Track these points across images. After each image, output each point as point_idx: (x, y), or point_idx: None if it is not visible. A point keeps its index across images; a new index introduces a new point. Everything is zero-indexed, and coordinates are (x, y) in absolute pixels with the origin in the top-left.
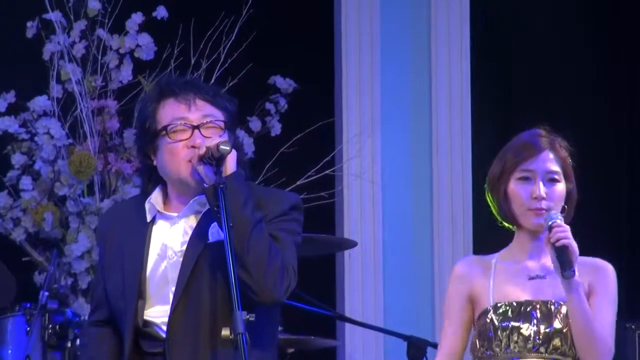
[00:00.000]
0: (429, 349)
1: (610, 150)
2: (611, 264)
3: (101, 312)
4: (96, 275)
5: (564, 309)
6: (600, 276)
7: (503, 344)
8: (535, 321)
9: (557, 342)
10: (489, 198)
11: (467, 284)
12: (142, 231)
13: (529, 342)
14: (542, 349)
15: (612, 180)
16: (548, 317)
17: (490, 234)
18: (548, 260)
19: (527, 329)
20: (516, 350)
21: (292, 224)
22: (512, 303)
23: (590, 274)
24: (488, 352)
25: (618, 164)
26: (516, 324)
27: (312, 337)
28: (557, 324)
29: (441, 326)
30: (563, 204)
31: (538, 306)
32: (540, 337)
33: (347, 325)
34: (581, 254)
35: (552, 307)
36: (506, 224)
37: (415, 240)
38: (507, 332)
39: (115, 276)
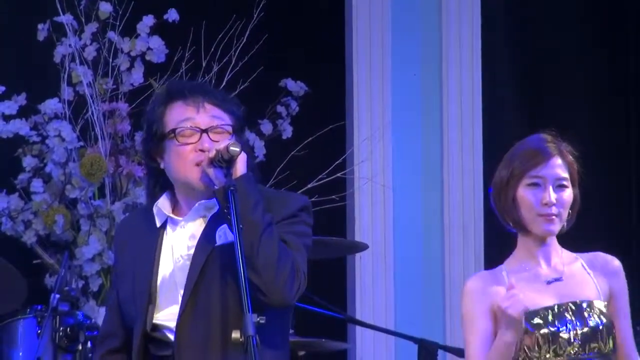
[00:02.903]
0: (440, 352)
1: (620, 148)
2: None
3: (109, 342)
4: (109, 291)
5: (595, 306)
6: (621, 281)
7: (543, 350)
8: (570, 324)
9: (594, 341)
10: (494, 203)
11: (487, 297)
12: (152, 237)
13: (570, 345)
14: (582, 350)
15: (620, 179)
16: (581, 318)
17: (501, 236)
18: (558, 262)
19: (565, 333)
20: (559, 355)
21: (302, 226)
22: (542, 309)
23: (607, 276)
24: None
25: (627, 163)
26: (553, 329)
27: (323, 340)
28: (592, 323)
29: (467, 346)
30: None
31: (569, 308)
32: (579, 338)
33: (358, 328)
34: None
35: (583, 306)
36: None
37: (426, 243)
38: (546, 338)
39: (127, 283)
